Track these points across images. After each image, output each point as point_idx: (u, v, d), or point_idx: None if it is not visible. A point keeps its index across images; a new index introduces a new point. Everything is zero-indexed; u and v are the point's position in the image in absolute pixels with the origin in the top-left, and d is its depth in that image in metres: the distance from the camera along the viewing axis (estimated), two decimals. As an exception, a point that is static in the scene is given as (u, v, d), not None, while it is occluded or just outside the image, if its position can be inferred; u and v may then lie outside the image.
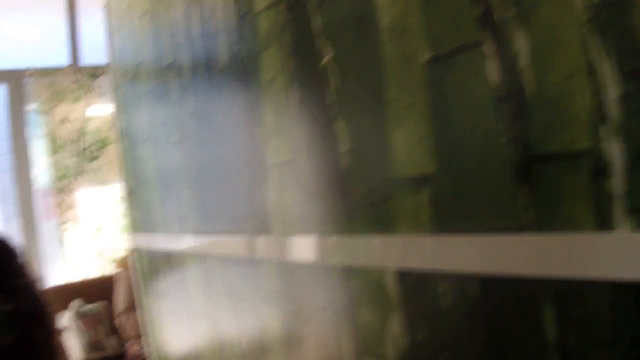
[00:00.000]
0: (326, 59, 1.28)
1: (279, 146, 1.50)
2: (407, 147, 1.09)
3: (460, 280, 1.02)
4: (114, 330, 4.83)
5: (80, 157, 5.33)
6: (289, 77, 1.42)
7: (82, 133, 5.33)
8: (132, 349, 4.57)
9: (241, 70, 1.64)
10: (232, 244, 1.83)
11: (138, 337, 4.48)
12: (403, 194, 1.11)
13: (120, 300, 4.65)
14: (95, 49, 5.28)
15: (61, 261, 5.34)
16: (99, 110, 5.37)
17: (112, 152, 5.28)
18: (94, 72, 5.35)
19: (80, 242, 5.37)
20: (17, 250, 0.86)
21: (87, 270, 5.38)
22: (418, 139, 1.06)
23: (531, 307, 0.91)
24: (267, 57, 1.50)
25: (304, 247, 1.46)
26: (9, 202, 5.14)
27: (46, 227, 5.30)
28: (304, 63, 1.37)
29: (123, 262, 4.77)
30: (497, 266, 0.94)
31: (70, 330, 4.65)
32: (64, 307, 4.79)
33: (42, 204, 5.31)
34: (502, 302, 0.95)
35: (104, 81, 5.28)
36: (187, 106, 2.05)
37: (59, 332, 0.87)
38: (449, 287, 1.04)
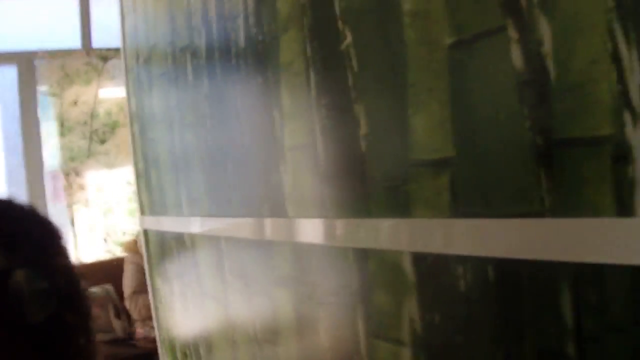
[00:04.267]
0: (346, 42, 1.29)
1: (295, 129, 1.50)
2: (427, 130, 1.09)
3: (478, 264, 1.02)
4: (121, 313, 4.85)
5: (90, 139, 5.35)
6: (308, 60, 1.42)
7: (92, 116, 5.34)
8: (139, 331, 4.59)
9: (259, 53, 1.64)
10: (245, 227, 1.83)
11: (146, 319, 4.50)
12: (422, 178, 1.11)
13: (128, 283, 4.67)
14: (106, 32, 5.30)
15: (69, 243, 5.36)
16: (110, 93, 5.39)
17: (122, 135, 5.30)
18: (105, 55, 5.37)
19: (89, 225, 5.39)
20: (60, 233, 0.86)
21: (95, 252, 5.41)
22: (438, 123, 1.06)
23: (549, 291, 0.91)
24: (286, 40, 1.50)
25: (319, 230, 1.46)
26: (18, 183, 5.16)
27: (55, 209, 5.32)
28: (323, 46, 1.37)
29: (131, 245, 4.79)
30: (516, 250, 0.95)
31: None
32: (72, 288, 4.81)
33: (51, 185, 5.33)
34: (520, 286, 0.96)
35: (115, 64, 5.29)
36: (203, 89, 2.05)
37: (91, 317, 0.87)
38: (467, 271, 1.05)
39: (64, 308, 0.78)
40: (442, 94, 1.05)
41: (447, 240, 1.07)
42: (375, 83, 1.22)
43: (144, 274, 3.43)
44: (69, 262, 0.84)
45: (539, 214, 0.91)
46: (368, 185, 1.26)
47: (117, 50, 5.19)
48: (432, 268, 1.12)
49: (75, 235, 5.30)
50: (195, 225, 2.29)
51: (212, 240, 2.14)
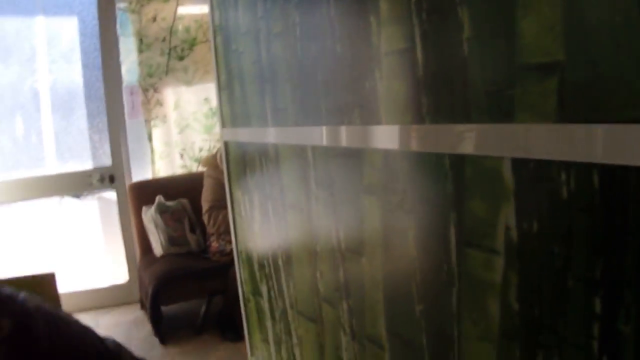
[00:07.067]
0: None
1: (393, 34, 1.48)
2: (537, 33, 1.06)
3: (583, 171, 1.00)
4: (195, 227, 4.95)
5: (168, 56, 5.39)
6: (409, -37, 1.39)
7: (171, 32, 5.37)
8: (214, 245, 4.68)
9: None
10: (335, 135, 1.83)
11: (221, 234, 4.58)
12: (528, 82, 1.08)
13: (206, 197, 4.74)
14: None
15: (147, 158, 5.47)
16: (188, 10, 5.40)
17: (200, 52, 5.33)
18: (185, -29, 5.37)
19: (165, 140, 5.48)
20: None
21: (172, 167, 5.51)
22: (549, 26, 1.03)
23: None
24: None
25: (414, 137, 1.45)
26: (97, 99, 5.25)
27: (133, 124, 5.41)
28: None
29: (210, 160, 4.84)
30: (624, 156, 0.92)
31: (153, 224, 4.79)
32: (149, 202, 4.92)
33: (129, 101, 5.41)
34: (627, 194, 0.94)
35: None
36: (293, -3, 2.03)
37: None
38: (570, 177, 1.03)
39: None
40: (555, -5, 1.02)
41: (552, 145, 1.05)
42: (482, -16, 1.19)
43: (223, 188, 3.48)
44: None
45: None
46: (469, 90, 1.24)
47: (197, -34, 5.19)
48: (533, 174, 1.11)
49: (152, 151, 5.40)
50: (281, 135, 2.30)
51: (298, 149, 2.14)
